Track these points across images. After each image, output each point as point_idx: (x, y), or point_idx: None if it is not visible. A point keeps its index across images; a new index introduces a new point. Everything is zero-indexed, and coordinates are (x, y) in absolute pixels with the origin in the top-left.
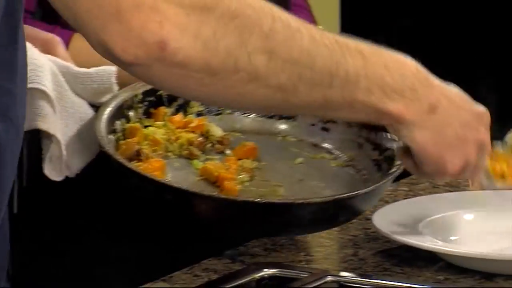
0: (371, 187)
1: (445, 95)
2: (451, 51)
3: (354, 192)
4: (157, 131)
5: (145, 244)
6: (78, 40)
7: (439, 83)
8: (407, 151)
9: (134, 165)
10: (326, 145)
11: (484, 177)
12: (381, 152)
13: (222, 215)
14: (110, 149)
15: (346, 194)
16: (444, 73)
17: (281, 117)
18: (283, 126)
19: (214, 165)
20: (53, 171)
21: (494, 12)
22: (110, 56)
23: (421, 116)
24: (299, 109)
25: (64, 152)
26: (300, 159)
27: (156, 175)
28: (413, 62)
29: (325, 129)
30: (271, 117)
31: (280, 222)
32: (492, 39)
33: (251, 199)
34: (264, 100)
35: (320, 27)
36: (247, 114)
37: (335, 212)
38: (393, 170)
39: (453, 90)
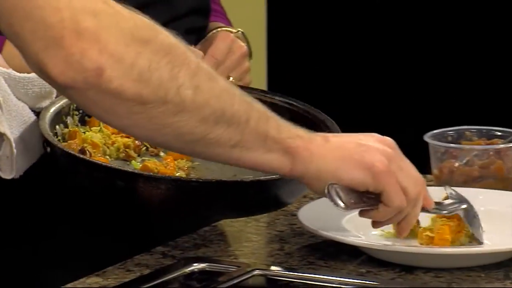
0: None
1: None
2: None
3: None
4: (94, 135)
5: (79, 240)
6: (11, 46)
7: None
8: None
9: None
10: None
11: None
12: None
13: (175, 196)
14: (59, 144)
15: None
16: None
17: None
18: None
19: (153, 163)
20: (4, 170)
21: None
22: (46, 77)
23: (322, 147)
24: (216, 147)
25: (15, 151)
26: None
27: None
28: None
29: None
30: None
31: (231, 201)
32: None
33: (205, 179)
34: (186, 134)
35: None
36: None
37: (275, 192)
38: None
39: None
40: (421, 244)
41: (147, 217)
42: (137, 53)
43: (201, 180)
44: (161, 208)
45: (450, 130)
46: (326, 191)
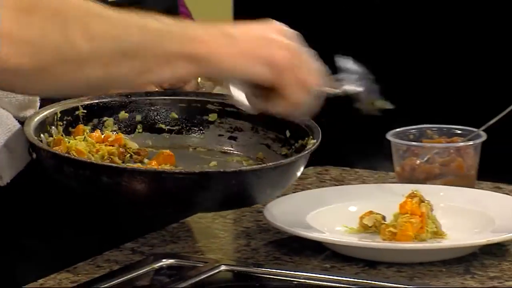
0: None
1: (226, 25)
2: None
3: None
4: (79, 143)
5: (50, 238)
6: None
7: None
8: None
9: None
10: (236, 151)
11: None
12: (290, 146)
13: (161, 189)
14: (45, 146)
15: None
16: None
17: (190, 131)
18: (193, 139)
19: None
20: None
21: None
22: None
23: (224, 43)
24: (125, 81)
25: (0, 159)
26: (214, 162)
27: None
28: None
29: (232, 138)
30: (180, 132)
31: (215, 193)
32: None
33: (187, 170)
34: (95, 80)
35: None
36: (157, 132)
37: (250, 184)
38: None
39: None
40: (384, 239)
41: (118, 213)
42: (27, 24)
43: (184, 172)
44: (146, 202)
45: (412, 128)
46: (231, 91)
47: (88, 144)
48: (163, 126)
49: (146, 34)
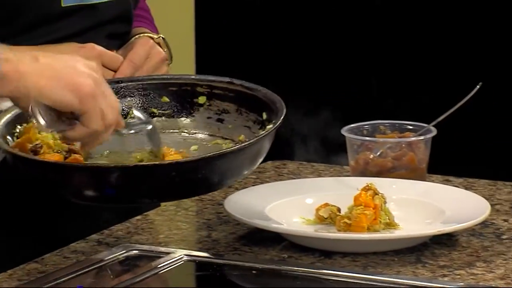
0: (226, 150)
1: (31, 51)
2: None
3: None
4: (48, 136)
5: (17, 231)
6: None
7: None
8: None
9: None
10: (221, 134)
11: None
12: (265, 127)
13: (101, 184)
14: (2, 144)
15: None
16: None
17: (181, 115)
18: (184, 122)
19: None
20: None
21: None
22: None
23: (32, 66)
24: None
25: None
26: (194, 147)
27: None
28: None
29: (220, 120)
30: (172, 116)
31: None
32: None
33: (123, 164)
34: None
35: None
36: (150, 117)
37: (207, 173)
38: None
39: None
40: (339, 230)
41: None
42: None
43: (119, 166)
44: (92, 198)
45: (366, 124)
46: (30, 109)
47: (55, 139)
48: (155, 110)
49: None
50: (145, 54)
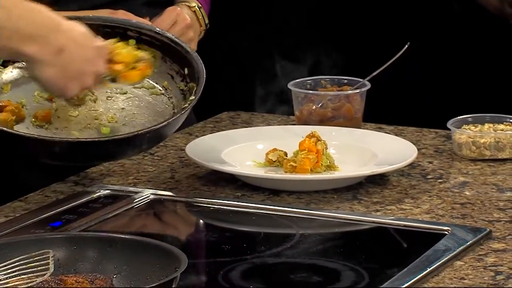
0: (162, 124)
1: (71, 38)
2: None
3: (151, 127)
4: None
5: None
6: None
7: (68, 27)
8: None
9: None
10: (146, 79)
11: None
12: (187, 83)
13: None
14: None
15: (144, 129)
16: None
17: None
18: None
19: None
20: None
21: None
22: None
23: (49, 56)
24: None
25: None
26: (124, 90)
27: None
28: (46, 10)
29: None
30: None
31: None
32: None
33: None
34: None
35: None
36: None
37: (140, 142)
38: (184, 106)
39: (79, 31)
40: (286, 172)
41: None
42: None
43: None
44: (47, 159)
45: (309, 79)
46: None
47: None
48: None
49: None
50: (171, 21)
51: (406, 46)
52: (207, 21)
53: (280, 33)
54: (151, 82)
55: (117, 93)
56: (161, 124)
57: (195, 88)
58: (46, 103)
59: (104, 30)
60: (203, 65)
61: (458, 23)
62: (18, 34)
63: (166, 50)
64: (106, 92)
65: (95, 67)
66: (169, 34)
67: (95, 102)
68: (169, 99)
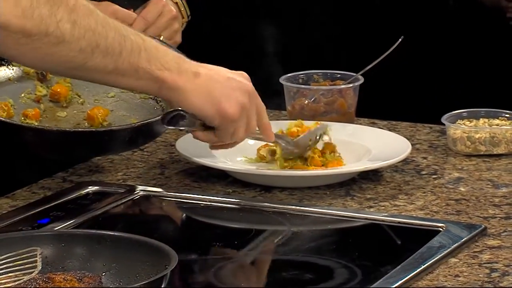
0: (155, 118)
1: (201, 65)
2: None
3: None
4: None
5: None
6: None
7: (191, 60)
8: (199, 127)
9: None
10: None
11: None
12: None
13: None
14: None
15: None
16: None
17: None
18: None
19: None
20: None
21: None
22: None
23: (189, 82)
24: (95, 73)
25: None
26: (112, 93)
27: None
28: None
29: None
30: None
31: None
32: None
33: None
34: (67, 62)
35: None
36: None
37: (134, 136)
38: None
39: (206, 64)
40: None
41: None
42: None
43: (61, 130)
44: (38, 151)
45: (301, 73)
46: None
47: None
48: None
49: (124, 42)
50: (157, 12)
51: (400, 40)
52: (189, 13)
53: (272, 26)
54: None
55: (104, 96)
56: (159, 117)
57: None
58: (33, 104)
59: None
60: None
61: (452, 17)
62: (156, 59)
63: None
64: (93, 95)
65: (241, 83)
66: (168, 43)
67: (82, 104)
68: (157, 103)
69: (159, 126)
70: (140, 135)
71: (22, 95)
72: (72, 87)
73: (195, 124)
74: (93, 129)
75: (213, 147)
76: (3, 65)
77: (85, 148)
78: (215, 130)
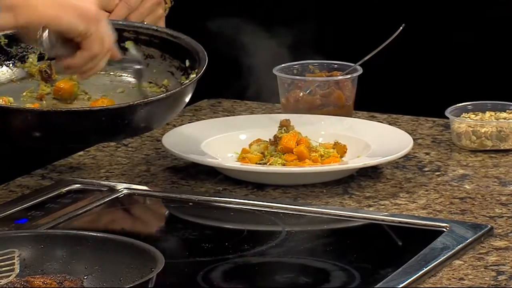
0: (151, 99)
1: None
2: None
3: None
4: None
5: None
6: None
7: None
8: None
9: None
10: (146, 78)
11: None
12: (188, 75)
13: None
14: None
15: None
16: None
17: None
18: (111, 67)
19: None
20: None
21: None
22: None
23: None
24: None
25: None
26: (120, 89)
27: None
28: None
29: (145, 65)
30: None
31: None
32: None
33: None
34: None
35: None
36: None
37: (129, 119)
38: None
39: None
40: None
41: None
42: None
43: (52, 110)
44: (27, 138)
45: (296, 64)
46: (38, 34)
47: None
48: None
49: None
50: None
51: (401, 27)
52: None
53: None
54: (149, 81)
55: (112, 92)
56: (159, 96)
57: (197, 70)
58: (36, 102)
59: None
60: (201, 46)
61: (456, 2)
62: None
63: (166, 46)
64: (101, 92)
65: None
66: (167, 29)
67: (88, 100)
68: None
69: (165, 107)
70: (143, 117)
71: (24, 93)
72: (78, 84)
73: (57, 48)
74: (88, 108)
75: (83, 72)
76: (7, 65)
77: (83, 131)
78: (82, 44)
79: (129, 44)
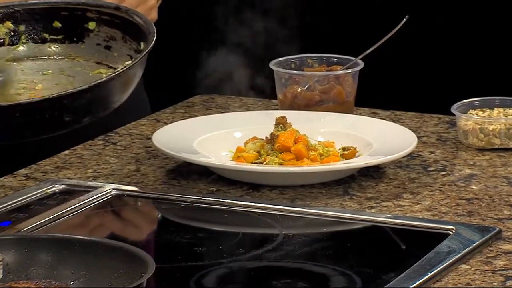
0: (85, 86)
1: None
2: None
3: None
4: None
5: None
6: None
7: None
8: None
9: None
10: (107, 61)
11: None
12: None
13: None
14: None
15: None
16: None
17: (72, 41)
18: (75, 49)
19: None
20: None
21: None
22: None
23: None
24: None
25: None
26: (49, 71)
27: None
28: None
29: (107, 47)
30: (63, 41)
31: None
32: None
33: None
34: None
35: None
36: (42, 42)
37: (58, 112)
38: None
39: None
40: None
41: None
42: None
43: None
44: None
45: (293, 57)
46: None
47: None
48: (46, 35)
49: None
50: None
51: (405, 19)
52: None
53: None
54: (110, 65)
55: (68, 75)
56: (102, 79)
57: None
58: None
59: (61, 14)
60: (154, 28)
61: None
62: None
63: (127, 28)
64: (55, 85)
65: None
66: (127, 8)
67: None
68: (109, 68)
69: (112, 88)
70: (86, 101)
71: None
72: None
73: None
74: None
75: None
76: None
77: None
78: None
79: (92, 25)
